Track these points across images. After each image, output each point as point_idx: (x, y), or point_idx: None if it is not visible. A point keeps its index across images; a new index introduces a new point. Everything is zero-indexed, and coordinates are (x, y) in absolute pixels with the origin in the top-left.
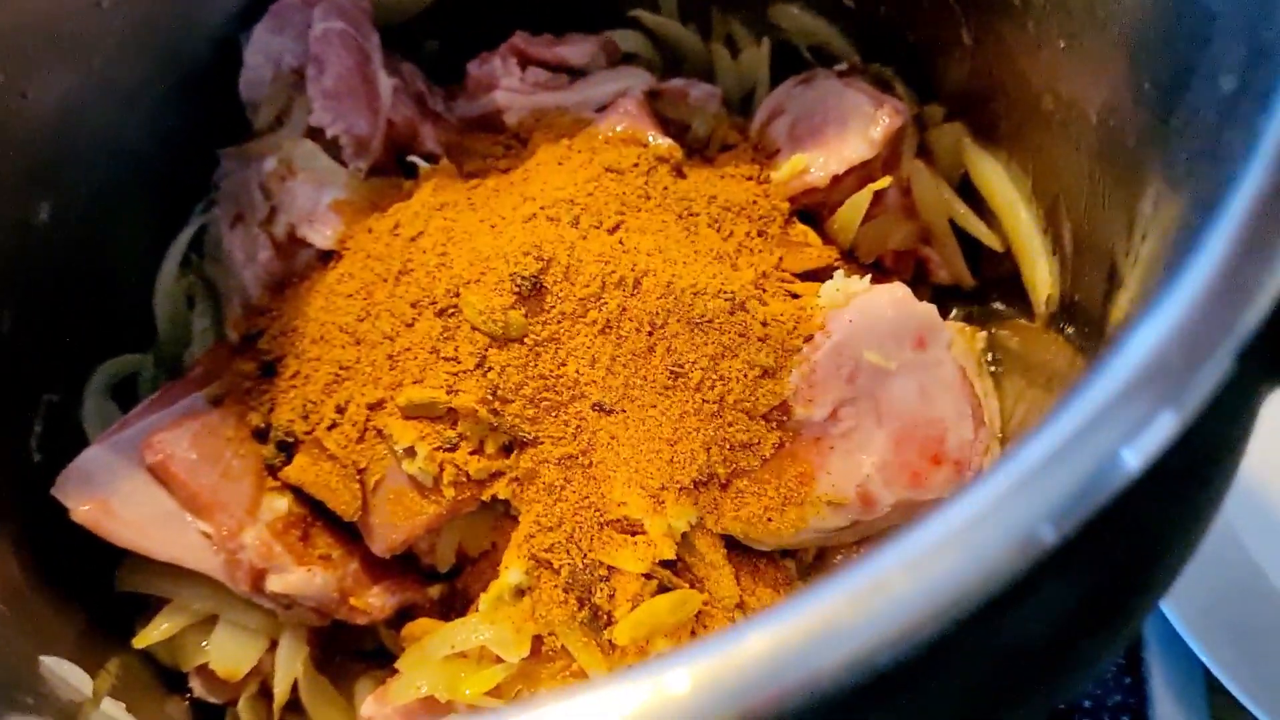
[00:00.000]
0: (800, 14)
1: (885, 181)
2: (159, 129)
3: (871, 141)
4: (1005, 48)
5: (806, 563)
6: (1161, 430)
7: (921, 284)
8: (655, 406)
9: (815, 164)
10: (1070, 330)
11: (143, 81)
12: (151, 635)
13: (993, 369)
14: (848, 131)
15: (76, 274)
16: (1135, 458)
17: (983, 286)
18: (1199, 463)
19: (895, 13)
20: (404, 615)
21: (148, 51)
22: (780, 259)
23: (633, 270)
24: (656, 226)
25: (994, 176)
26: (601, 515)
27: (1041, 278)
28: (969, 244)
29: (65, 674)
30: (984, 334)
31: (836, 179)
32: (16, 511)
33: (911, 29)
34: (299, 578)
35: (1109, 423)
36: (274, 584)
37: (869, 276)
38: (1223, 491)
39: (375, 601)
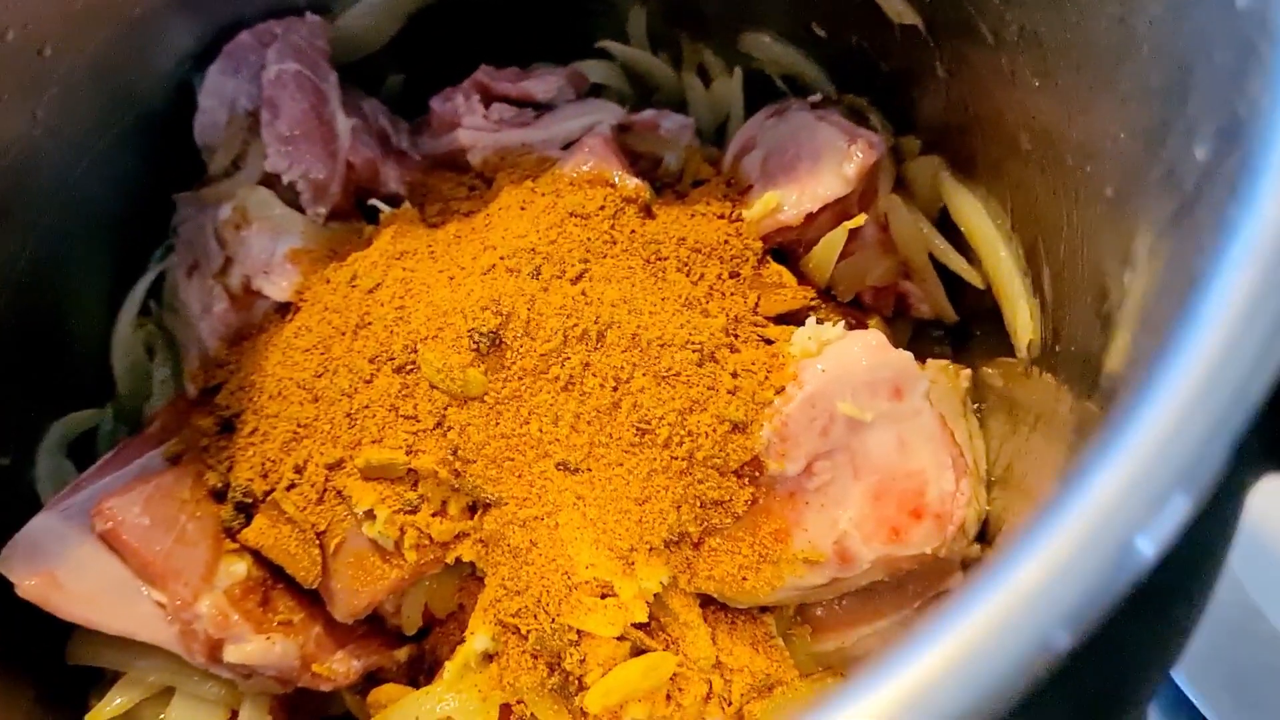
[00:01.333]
0: (772, 43)
1: (860, 219)
2: (113, 174)
3: (845, 178)
4: (980, 81)
5: (787, 617)
6: (1176, 513)
7: (902, 319)
8: (622, 465)
9: (788, 201)
10: (1058, 373)
11: (93, 127)
12: (105, 711)
13: (977, 408)
14: (821, 167)
15: (28, 329)
16: (1151, 545)
17: (965, 321)
18: (1197, 553)
19: (868, 43)
20: (370, 678)
21: (97, 96)
22: (754, 302)
23: (596, 323)
24: (622, 274)
25: (973, 212)
26: (570, 578)
27: (1023, 321)
28: (950, 278)
29: None
30: (968, 372)
31: (810, 217)
32: None
33: (885, 59)
34: (257, 647)
35: (1121, 506)
36: (231, 654)
37: (842, 323)
38: (1212, 584)
39: (340, 667)
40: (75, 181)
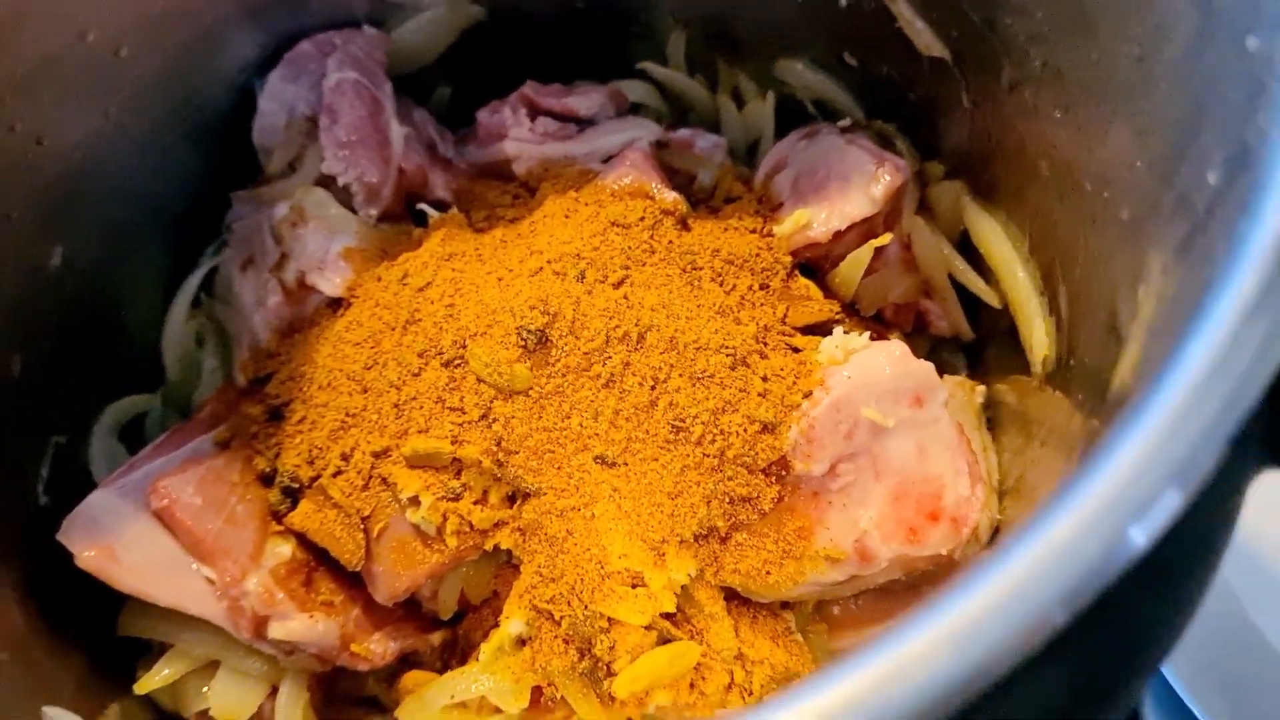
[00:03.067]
0: (805, 70)
1: (886, 238)
2: (172, 172)
3: (873, 199)
4: (1003, 113)
5: (806, 613)
6: (1167, 507)
7: (921, 335)
8: (657, 460)
9: (818, 219)
10: (1070, 388)
11: (158, 127)
12: (153, 681)
13: (990, 421)
14: (850, 188)
15: (86, 316)
16: (1142, 535)
17: (981, 339)
18: (1192, 544)
19: (897, 73)
20: (403, 663)
21: (163, 98)
22: (783, 313)
23: (636, 325)
24: (661, 281)
25: (992, 235)
26: (603, 567)
27: (1039, 338)
28: (968, 297)
29: None
30: (983, 388)
31: (838, 234)
32: (21, 556)
33: (913, 89)
34: (301, 624)
35: (1117, 500)
36: (276, 631)
37: (868, 334)
38: (1212, 573)
39: (377, 648)
40: (139, 178)
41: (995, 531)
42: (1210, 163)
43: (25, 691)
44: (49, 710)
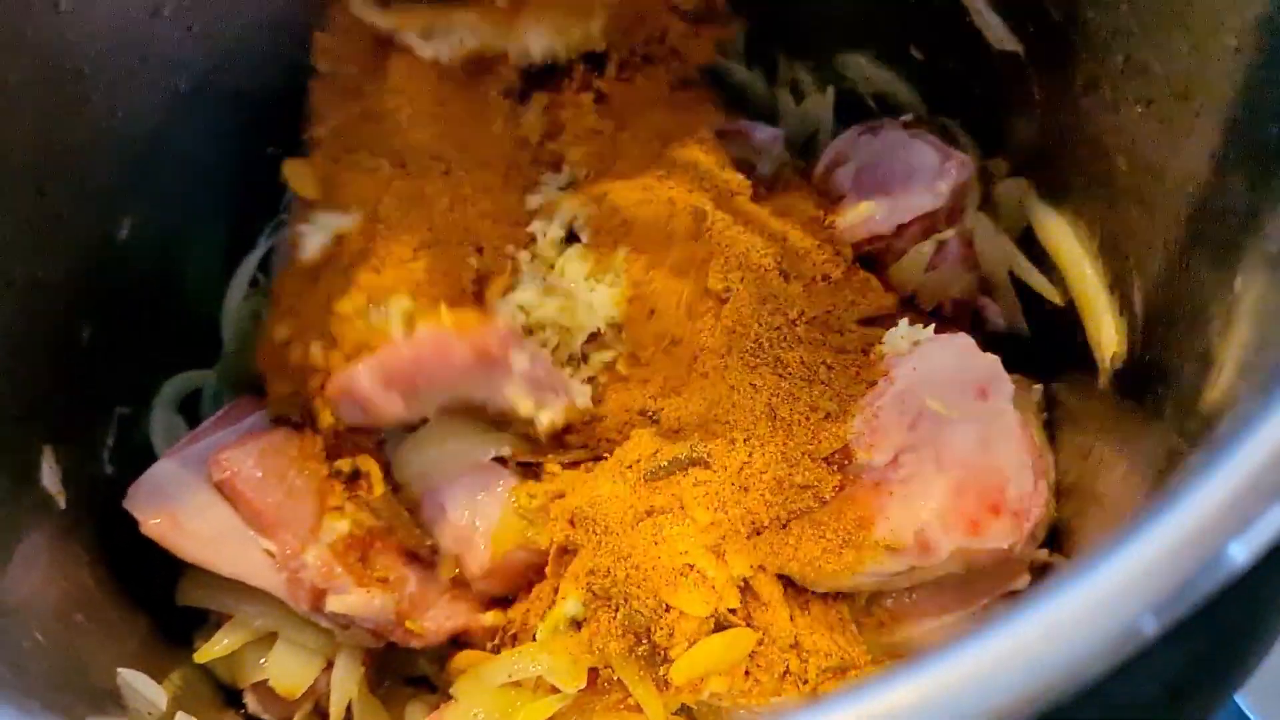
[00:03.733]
0: (867, 64)
1: (949, 233)
2: (236, 150)
3: (938, 193)
4: (1077, 108)
5: (860, 606)
6: (1272, 525)
7: (976, 332)
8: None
9: (881, 212)
10: (1145, 392)
11: (225, 103)
12: (213, 650)
13: (1046, 420)
14: (914, 182)
15: (151, 289)
16: (1243, 552)
17: (1039, 338)
18: None
19: (964, 67)
20: (453, 645)
21: (231, 76)
22: (846, 303)
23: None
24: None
25: (1059, 232)
26: (664, 561)
27: (1107, 335)
28: (1024, 295)
29: (140, 686)
30: (1039, 386)
31: (902, 227)
32: (90, 522)
33: (980, 83)
34: (358, 598)
35: (1220, 517)
36: (334, 604)
37: (933, 325)
38: None
39: (430, 625)
40: (205, 154)
41: (1052, 531)
42: None
43: (104, 654)
44: (124, 672)
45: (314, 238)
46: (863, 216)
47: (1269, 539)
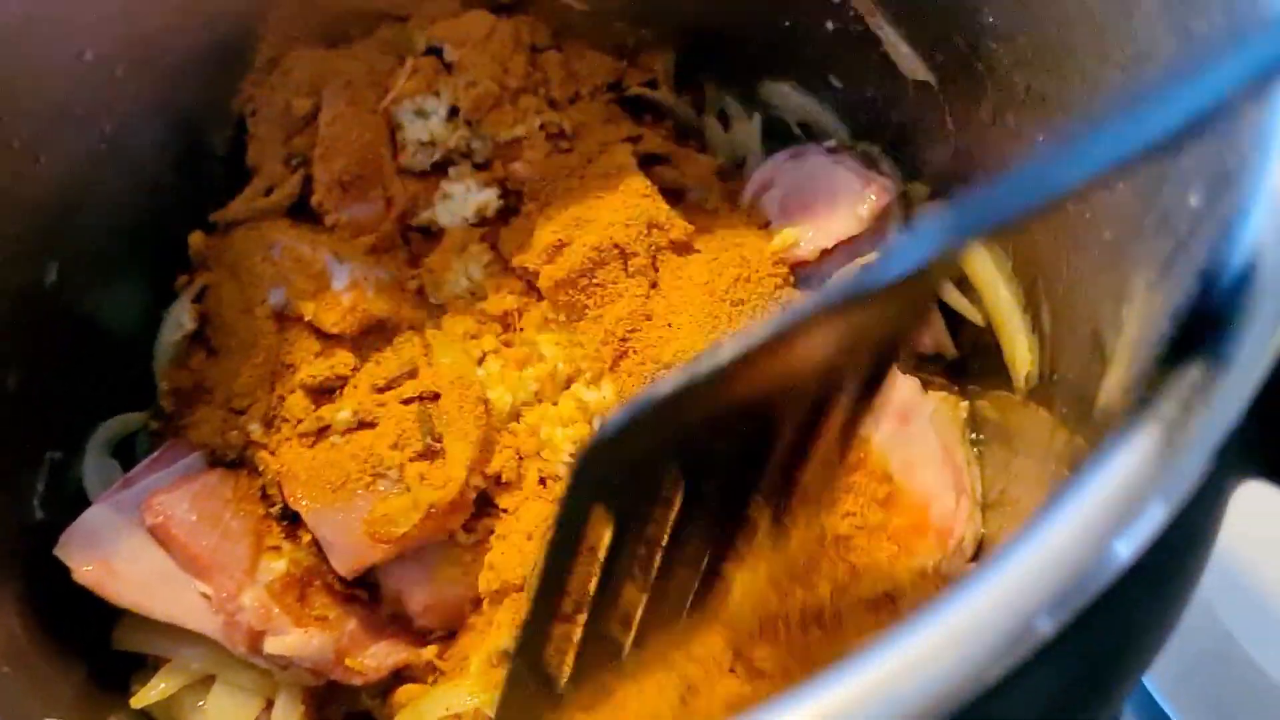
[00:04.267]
0: (791, 92)
1: (871, 257)
2: (167, 193)
3: (860, 218)
4: (986, 135)
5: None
6: (1151, 521)
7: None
8: None
9: (805, 237)
10: (1054, 404)
11: (153, 147)
12: (149, 695)
13: (974, 437)
14: (837, 207)
15: (81, 333)
16: (1126, 548)
17: (964, 357)
18: (1178, 552)
19: (881, 94)
20: (395, 678)
21: (159, 120)
22: None
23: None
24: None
25: (975, 255)
26: None
27: (1021, 355)
28: (951, 316)
29: None
30: (966, 404)
31: (825, 252)
32: (18, 569)
33: (897, 110)
34: (296, 639)
35: (1102, 514)
36: (272, 646)
37: None
38: (1197, 578)
39: (371, 662)
40: (134, 197)
41: (979, 545)
42: (1191, 185)
43: (29, 705)
44: None
45: None
46: (787, 243)
47: (1150, 535)
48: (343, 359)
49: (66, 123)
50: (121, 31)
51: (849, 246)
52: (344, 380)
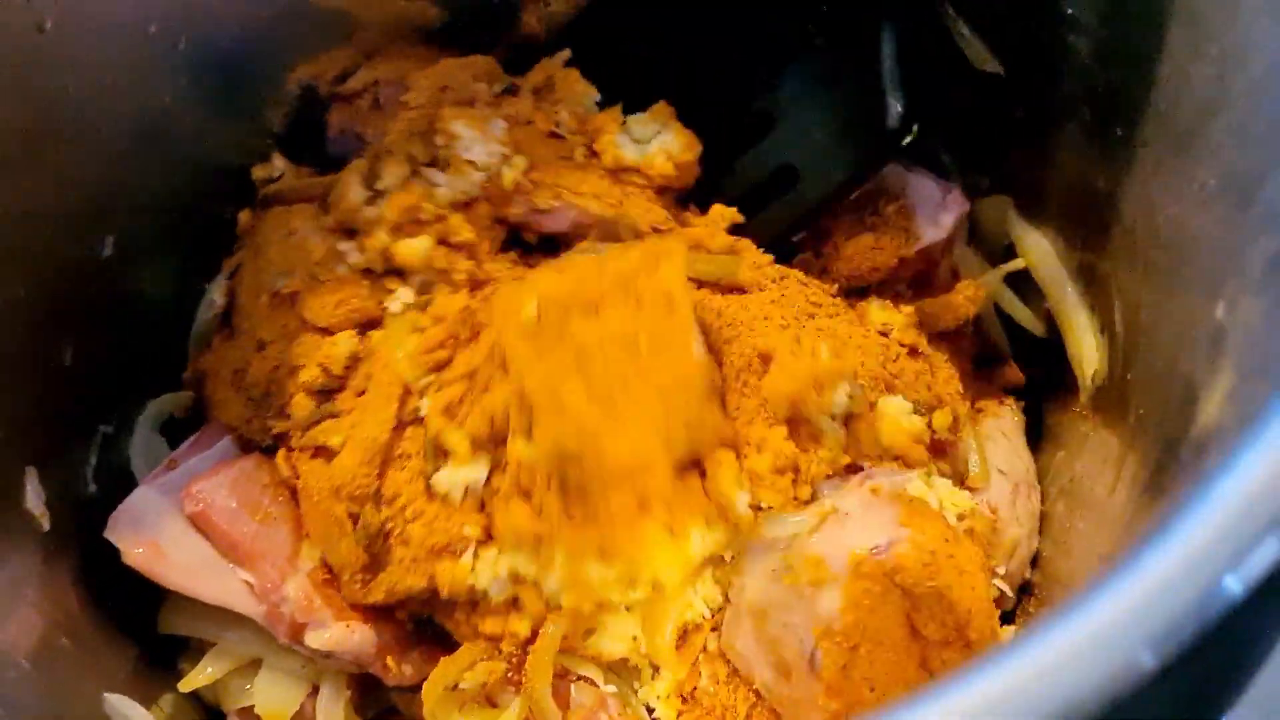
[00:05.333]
0: None
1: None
2: (219, 168)
3: (942, 225)
4: (1058, 127)
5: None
6: (1266, 557)
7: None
8: None
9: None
10: (1128, 406)
11: (212, 121)
12: (197, 679)
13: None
14: (918, 214)
15: (134, 308)
16: (1239, 584)
17: (1019, 360)
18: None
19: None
20: None
21: (218, 96)
22: None
23: None
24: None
25: (1039, 250)
26: None
27: (1088, 354)
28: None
29: (127, 711)
30: (1022, 404)
31: (904, 260)
32: (74, 544)
33: (962, 101)
34: (337, 633)
35: (1216, 550)
36: (312, 640)
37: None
38: None
39: (408, 669)
40: (188, 174)
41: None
42: None
43: (89, 680)
44: (111, 698)
45: None
46: (862, 248)
47: (1263, 571)
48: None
49: (128, 95)
50: (181, 5)
51: (925, 253)
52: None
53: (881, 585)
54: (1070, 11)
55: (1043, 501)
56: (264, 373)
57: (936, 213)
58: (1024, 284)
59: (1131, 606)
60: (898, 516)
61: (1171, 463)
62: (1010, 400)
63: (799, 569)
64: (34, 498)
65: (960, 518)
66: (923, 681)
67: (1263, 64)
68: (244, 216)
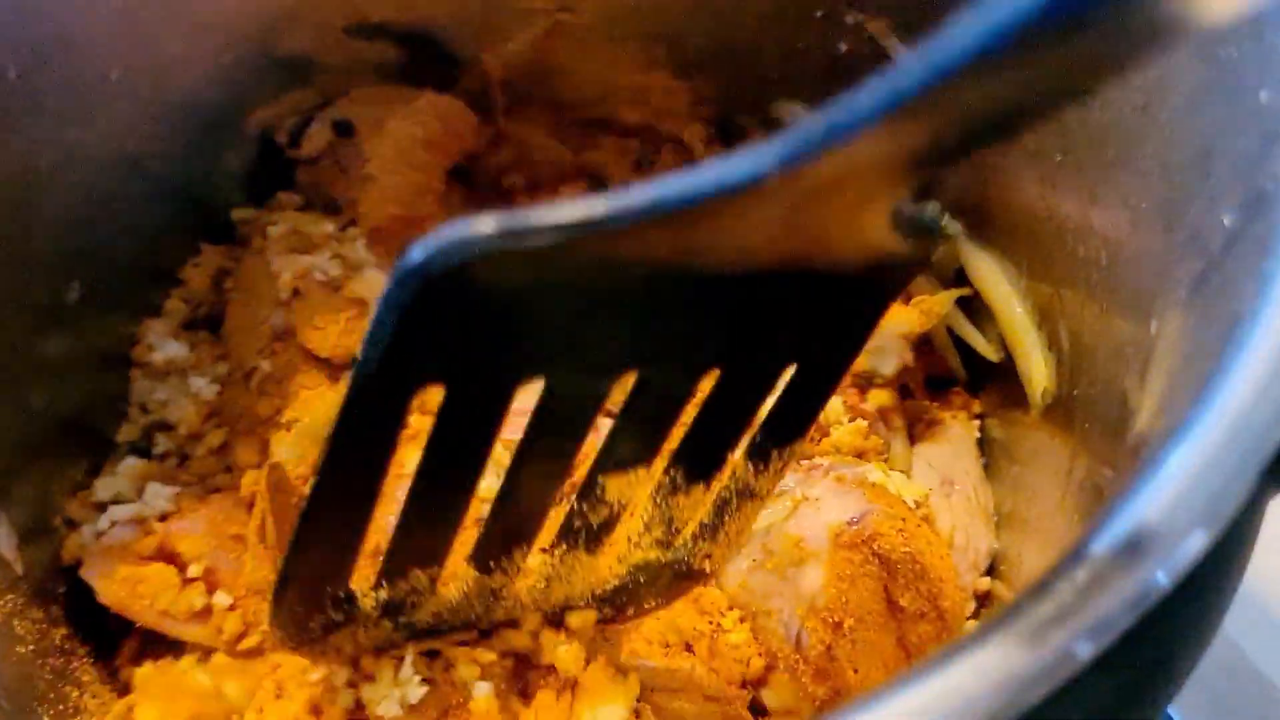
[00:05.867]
0: (802, 111)
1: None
2: (186, 212)
3: None
4: (1001, 153)
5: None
6: (1193, 549)
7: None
8: None
9: None
10: (1074, 422)
11: (175, 167)
12: None
13: (984, 460)
14: None
15: (103, 352)
16: (1168, 577)
17: (974, 378)
18: (1216, 568)
19: None
20: None
21: (177, 140)
22: None
23: None
24: None
25: (989, 272)
26: None
27: (1038, 371)
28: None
29: None
30: (977, 422)
31: None
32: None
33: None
34: None
35: (1146, 545)
36: None
37: None
38: (1234, 589)
39: None
40: (153, 216)
41: (992, 560)
42: (1223, 205)
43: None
44: None
45: None
46: None
47: (1188, 563)
48: None
49: (91, 142)
50: (145, 53)
51: None
52: None
53: (861, 555)
54: None
55: (998, 510)
56: None
57: None
58: (979, 313)
59: (1065, 598)
60: (865, 496)
61: (1111, 471)
62: (961, 414)
63: (780, 552)
64: (5, 541)
65: (916, 505)
66: (900, 660)
67: (1184, 94)
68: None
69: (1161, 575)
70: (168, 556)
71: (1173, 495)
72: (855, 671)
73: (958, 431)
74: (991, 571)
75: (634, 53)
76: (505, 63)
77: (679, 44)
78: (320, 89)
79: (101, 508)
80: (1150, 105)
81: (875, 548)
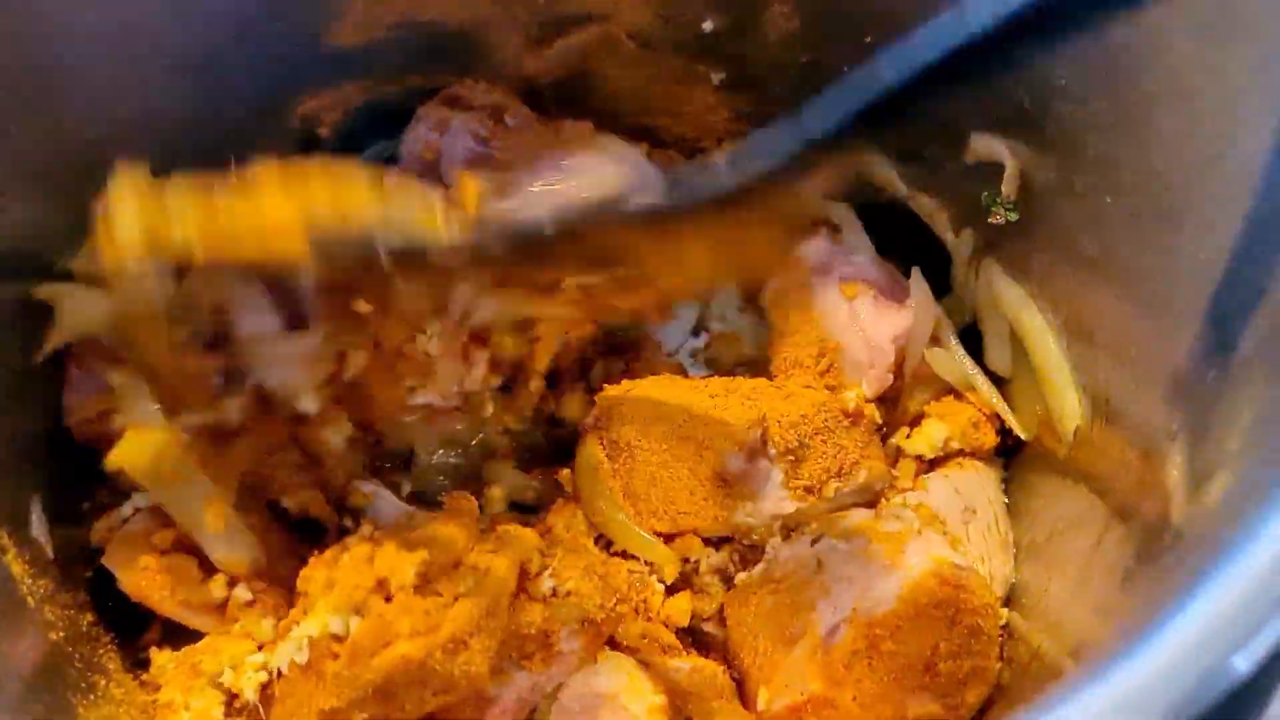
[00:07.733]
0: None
1: None
2: None
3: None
4: (1048, 192)
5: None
6: (1270, 636)
7: None
8: None
9: None
10: (1104, 459)
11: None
12: None
13: (1006, 488)
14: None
15: None
16: (1245, 663)
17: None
18: None
19: (939, 147)
20: None
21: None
22: None
23: None
24: None
25: (1022, 307)
26: None
27: (1070, 409)
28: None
29: None
30: (1001, 459)
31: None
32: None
33: (954, 161)
34: None
35: (1222, 632)
36: None
37: None
38: None
39: None
40: None
41: (1010, 589)
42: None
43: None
44: None
45: None
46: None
47: (1268, 650)
48: None
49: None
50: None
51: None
52: None
53: (942, 595)
54: (1062, 82)
55: (1019, 542)
56: None
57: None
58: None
59: (1142, 682)
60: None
61: (1157, 536)
62: (990, 455)
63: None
64: (38, 525)
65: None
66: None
67: (1256, 145)
68: None
69: (1239, 660)
70: (188, 549)
71: (1251, 579)
72: (854, 700)
73: (983, 466)
74: (1009, 602)
75: (676, 67)
76: (549, 66)
77: (719, 60)
78: (366, 83)
79: (126, 494)
80: (1224, 155)
81: (958, 601)
